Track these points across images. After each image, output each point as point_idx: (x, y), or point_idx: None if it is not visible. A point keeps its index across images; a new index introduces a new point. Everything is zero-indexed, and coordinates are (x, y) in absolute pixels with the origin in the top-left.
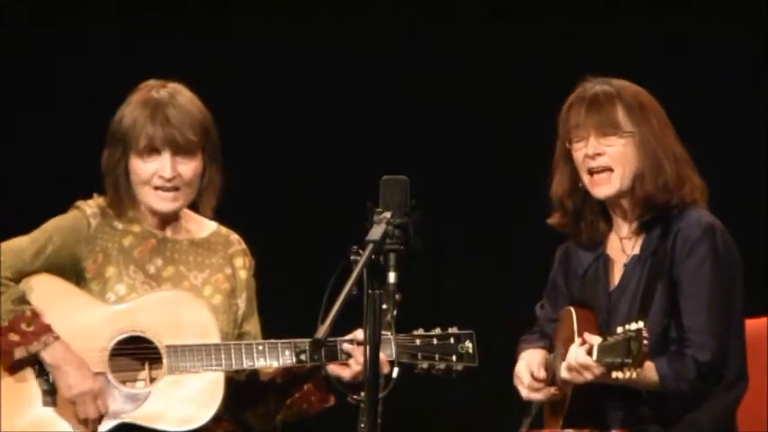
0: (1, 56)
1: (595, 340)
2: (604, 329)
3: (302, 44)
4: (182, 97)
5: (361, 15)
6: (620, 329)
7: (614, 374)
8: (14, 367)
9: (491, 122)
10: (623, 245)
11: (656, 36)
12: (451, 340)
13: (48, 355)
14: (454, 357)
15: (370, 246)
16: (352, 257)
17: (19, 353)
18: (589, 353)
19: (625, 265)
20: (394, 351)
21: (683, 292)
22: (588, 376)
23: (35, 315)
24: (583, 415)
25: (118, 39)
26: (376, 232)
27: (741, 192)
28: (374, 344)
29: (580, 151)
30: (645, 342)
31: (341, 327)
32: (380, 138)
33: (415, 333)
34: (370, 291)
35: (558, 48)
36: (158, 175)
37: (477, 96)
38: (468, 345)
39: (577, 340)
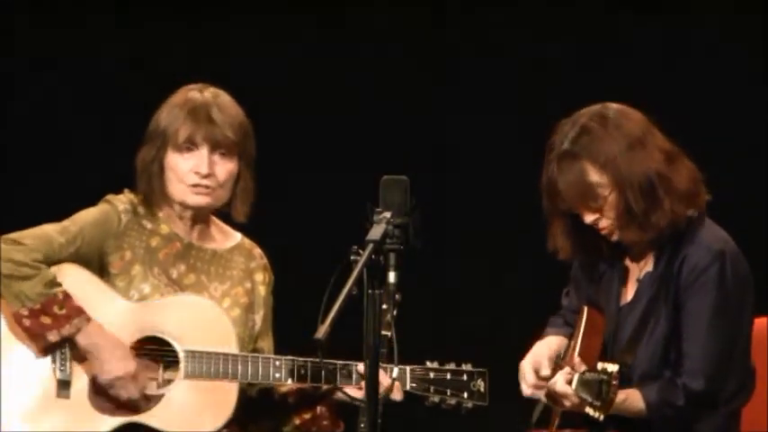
0: (2, 55)
1: (579, 368)
2: (610, 343)
3: (301, 43)
4: (223, 99)
5: (361, 14)
6: (600, 366)
7: (587, 409)
8: (29, 357)
9: (491, 122)
10: (638, 258)
11: (656, 34)
12: (464, 377)
13: (82, 339)
14: (465, 394)
15: (370, 246)
16: (352, 257)
17: (52, 336)
18: (569, 382)
19: (638, 281)
20: (408, 381)
21: (685, 319)
22: (567, 404)
23: (67, 297)
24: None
25: (121, 41)
26: (376, 232)
27: (741, 191)
28: (374, 344)
29: (581, 218)
30: (615, 387)
31: (341, 327)
32: (380, 138)
33: (429, 366)
34: (370, 291)
35: (558, 47)
36: (194, 171)
37: (478, 95)
38: (481, 383)
39: (565, 369)
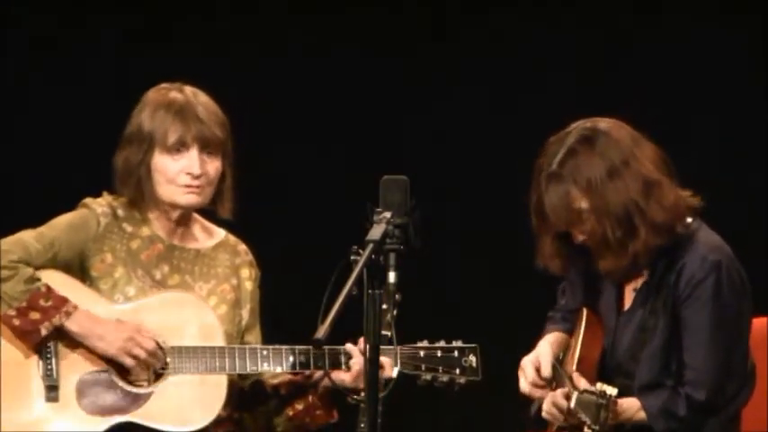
0: (1, 55)
1: (578, 384)
2: (609, 351)
3: (300, 44)
4: (203, 97)
5: (361, 14)
6: (599, 386)
7: (585, 429)
8: (15, 363)
9: (491, 122)
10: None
11: (656, 35)
12: (455, 353)
13: (73, 325)
14: (458, 370)
15: (370, 246)
16: (352, 257)
17: (45, 329)
18: (567, 398)
19: (635, 291)
20: (398, 360)
21: (684, 329)
22: (562, 419)
23: (50, 289)
24: None
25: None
26: (376, 232)
27: (741, 191)
28: (374, 344)
29: (573, 238)
30: (614, 413)
31: (341, 327)
32: (380, 138)
33: (420, 344)
34: (370, 291)
35: (558, 47)
36: (186, 172)
37: (479, 95)
38: (472, 358)
39: (563, 389)
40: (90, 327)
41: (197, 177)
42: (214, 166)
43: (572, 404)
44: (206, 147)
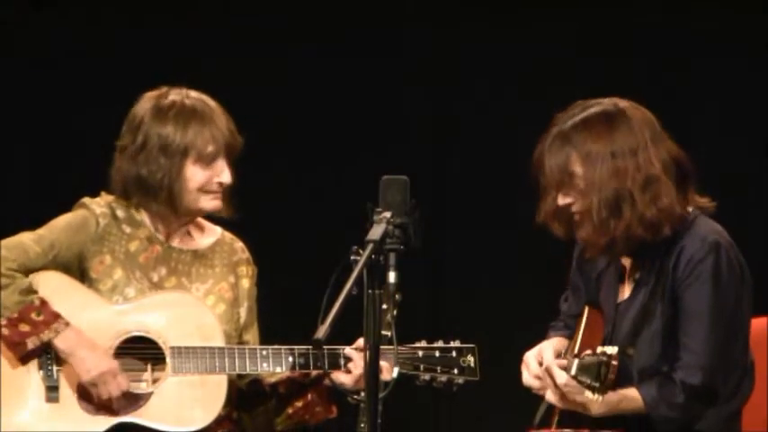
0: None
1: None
2: (608, 340)
3: (301, 44)
4: (212, 101)
5: (359, 15)
6: (599, 349)
7: (586, 393)
8: (16, 363)
9: (490, 122)
10: (635, 256)
11: (655, 34)
12: (454, 353)
13: (61, 342)
14: (456, 370)
15: (370, 246)
16: (352, 257)
17: (32, 343)
18: (564, 368)
19: (635, 280)
20: (397, 360)
21: (683, 312)
22: (558, 387)
23: (43, 304)
24: (579, 415)
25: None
26: (376, 232)
27: (741, 191)
28: (374, 344)
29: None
30: (614, 368)
31: (341, 327)
32: (380, 138)
33: (418, 345)
34: (370, 291)
35: (558, 46)
36: (217, 181)
37: (480, 94)
38: (470, 358)
39: (560, 361)
40: (73, 348)
41: (223, 184)
42: (231, 170)
43: (572, 371)
44: (231, 154)
